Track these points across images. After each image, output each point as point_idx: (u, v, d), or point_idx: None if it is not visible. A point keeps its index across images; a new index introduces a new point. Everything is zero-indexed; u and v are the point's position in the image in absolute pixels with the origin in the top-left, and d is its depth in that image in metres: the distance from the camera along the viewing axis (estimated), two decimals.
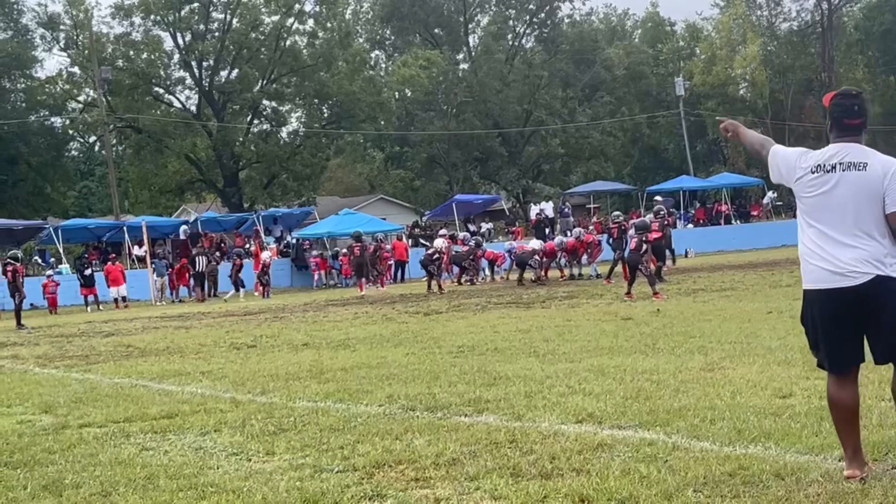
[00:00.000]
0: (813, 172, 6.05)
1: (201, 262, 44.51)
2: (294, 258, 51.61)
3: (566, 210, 59.01)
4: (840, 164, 5.97)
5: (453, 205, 56.81)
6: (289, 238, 54.12)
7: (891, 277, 5.79)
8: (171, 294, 45.15)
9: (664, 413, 8.21)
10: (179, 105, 73.90)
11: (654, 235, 26.20)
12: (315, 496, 6.31)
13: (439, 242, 39.87)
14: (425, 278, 36.12)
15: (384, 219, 59.43)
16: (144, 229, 48.60)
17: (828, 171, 5.99)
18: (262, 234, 52.85)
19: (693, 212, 60.16)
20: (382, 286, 40.29)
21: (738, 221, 59.41)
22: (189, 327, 24.78)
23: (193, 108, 72.85)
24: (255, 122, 73.77)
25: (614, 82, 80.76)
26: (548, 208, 57.30)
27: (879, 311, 5.81)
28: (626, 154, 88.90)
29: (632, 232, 25.14)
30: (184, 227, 53.68)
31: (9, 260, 34.18)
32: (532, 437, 7.65)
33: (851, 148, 6.00)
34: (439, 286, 33.66)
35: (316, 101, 72.97)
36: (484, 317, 20.94)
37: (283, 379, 12.42)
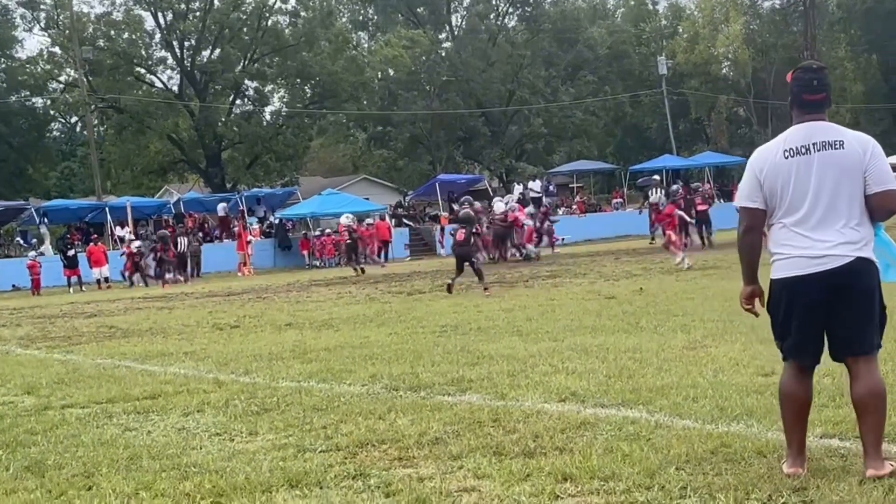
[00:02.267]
0: (786, 157, 5.73)
1: (183, 243, 44.38)
2: (278, 238, 51.57)
3: (552, 189, 59.08)
4: (814, 144, 5.68)
5: (437, 184, 56.79)
6: (272, 218, 54.08)
7: (868, 259, 5.62)
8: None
9: (647, 391, 8.23)
10: (161, 85, 73.64)
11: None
12: (298, 476, 6.31)
13: (500, 206, 38.31)
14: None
15: (367, 199, 59.36)
16: (129, 210, 48.50)
17: (801, 154, 5.70)
18: (246, 215, 52.78)
19: (680, 191, 60.15)
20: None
21: (720, 200, 59.48)
22: (172, 308, 24.73)
23: (175, 89, 72.57)
24: (238, 102, 73.58)
25: (597, 61, 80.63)
26: (535, 186, 57.30)
27: (851, 297, 5.60)
28: (609, 133, 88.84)
29: (455, 225, 24.71)
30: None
31: None
32: (515, 416, 7.66)
33: (821, 126, 5.73)
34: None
35: (298, 81, 72.76)
36: (467, 296, 20.94)
37: (266, 359, 12.42)
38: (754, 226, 5.86)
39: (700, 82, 79.46)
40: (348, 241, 37.49)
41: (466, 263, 22.50)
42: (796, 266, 5.66)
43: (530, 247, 36.37)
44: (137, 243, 43.36)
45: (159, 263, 41.67)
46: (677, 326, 12.52)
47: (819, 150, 5.67)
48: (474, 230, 23.70)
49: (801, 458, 5.73)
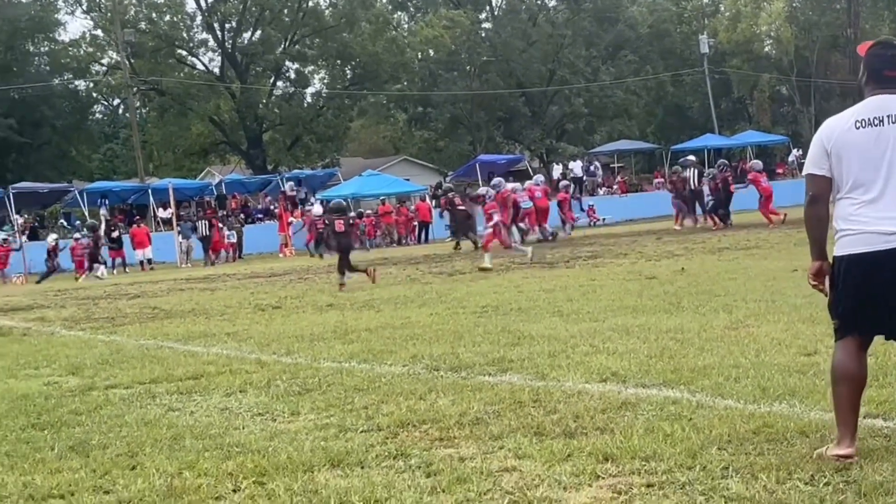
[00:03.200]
0: (857, 128, 5.55)
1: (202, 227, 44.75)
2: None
3: (592, 169, 58.94)
4: (888, 116, 5.49)
5: (477, 165, 56.71)
6: (313, 200, 54.21)
7: None
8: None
9: (688, 371, 8.19)
10: (202, 67, 73.91)
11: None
12: (340, 456, 6.34)
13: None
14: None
15: (407, 180, 59.48)
16: (171, 192, 48.73)
17: (874, 125, 5.51)
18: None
19: (722, 170, 59.80)
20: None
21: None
22: (214, 289, 24.86)
23: (216, 71, 72.83)
24: (279, 83, 73.69)
25: (638, 41, 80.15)
26: (576, 167, 57.19)
27: None
28: (650, 113, 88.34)
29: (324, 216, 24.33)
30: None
31: None
32: (556, 396, 7.65)
33: (894, 100, 5.53)
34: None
35: (339, 62, 72.81)
36: (507, 277, 20.92)
37: (307, 340, 12.46)
38: (820, 195, 5.67)
39: (742, 61, 78.81)
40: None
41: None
42: (865, 242, 5.48)
43: (545, 226, 36.24)
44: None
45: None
46: (719, 306, 12.45)
47: (893, 122, 5.50)
48: (350, 221, 23.76)
49: (854, 440, 5.57)
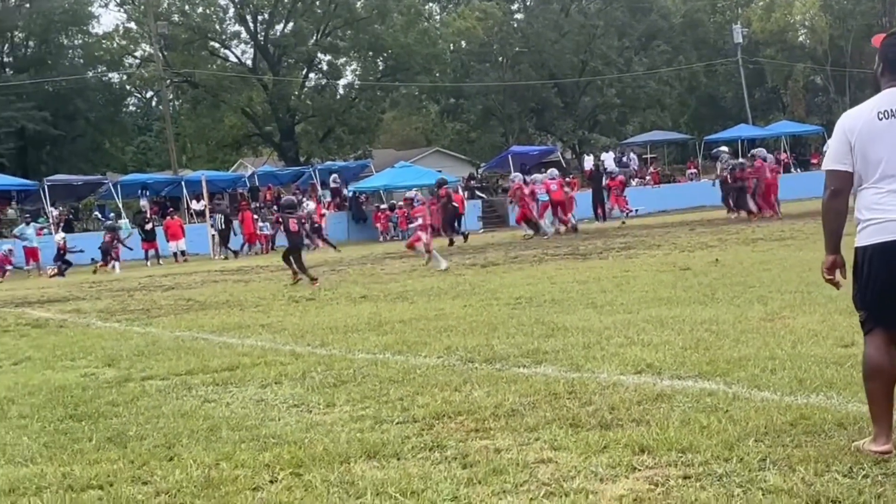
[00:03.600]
0: (879, 119, 5.50)
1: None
2: (352, 211, 51.82)
3: (625, 160, 58.76)
4: None
5: (509, 156, 56.64)
6: (345, 191, 54.29)
7: None
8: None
9: (724, 363, 8.17)
10: (235, 59, 74.14)
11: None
12: (375, 447, 6.35)
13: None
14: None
15: (440, 171, 59.33)
16: (204, 184, 48.89)
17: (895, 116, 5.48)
18: (319, 188, 53.04)
19: (756, 161, 59.52)
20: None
21: (797, 170, 58.75)
22: (248, 281, 24.95)
23: (249, 63, 73.02)
24: (311, 75, 73.84)
25: (671, 31, 79.84)
26: (608, 159, 57.05)
27: None
28: (683, 103, 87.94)
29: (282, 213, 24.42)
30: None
31: None
32: (591, 387, 7.65)
33: None
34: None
35: (371, 53, 72.88)
36: (541, 268, 20.90)
37: (342, 331, 12.48)
38: (842, 189, 5.64)
39: (776, 50, 78.35)
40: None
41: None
42: (891, 231, 5.44)
43: (544, 222, 36.35)
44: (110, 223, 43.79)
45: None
46: (754, 297, 12.40)
47: None
48: (302, 219, 24.01)
49: (891, 436, 5.51)
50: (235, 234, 45.38)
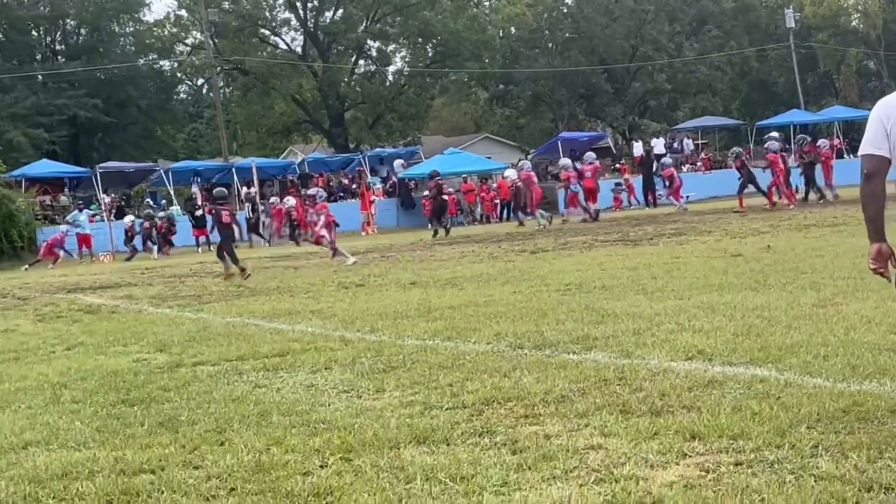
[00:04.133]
0: None
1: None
2: (401, 198, 51.87)
3: (676, 146, 58.44)
4: None
5: (559, 142, 56.47)
6: (394, 178, 54.35)
7: None
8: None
9: (776, 350, 8.10)
10: (285, 46, 74.44)
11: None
12: (425, 432, 6.35)
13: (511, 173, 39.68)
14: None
15: (489, 157, 59.34)
16: (254, 171, 49.14)
17: None
18: (368, 174, 53.13)
19: (806, 146, 59.00)
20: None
21: (850, 156, 58.11)
22: (298, 267, 25.04)
23: (299, 50, 73.26)
24: (360, 62, 73.97)
25: (722, 15, 79.26)
26: (658, 145, 56.77)
27: None
28: (735, 88, 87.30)
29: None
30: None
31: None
32: (641, 374, 7.61)
33: None
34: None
35: (420, 40, 72.92)
36: (591, 254, 20.84)
37: (391, 317, 12.50)
38: (876, 173, 5.62)
39: (829, 35, 77.62)
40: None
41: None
42: None
43: (540, 212, 36.54)
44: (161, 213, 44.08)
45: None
46: (806, 284, 12.29)
47: None
48: (233, 211, 24.73)
49: None
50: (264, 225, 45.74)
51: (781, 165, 34.59)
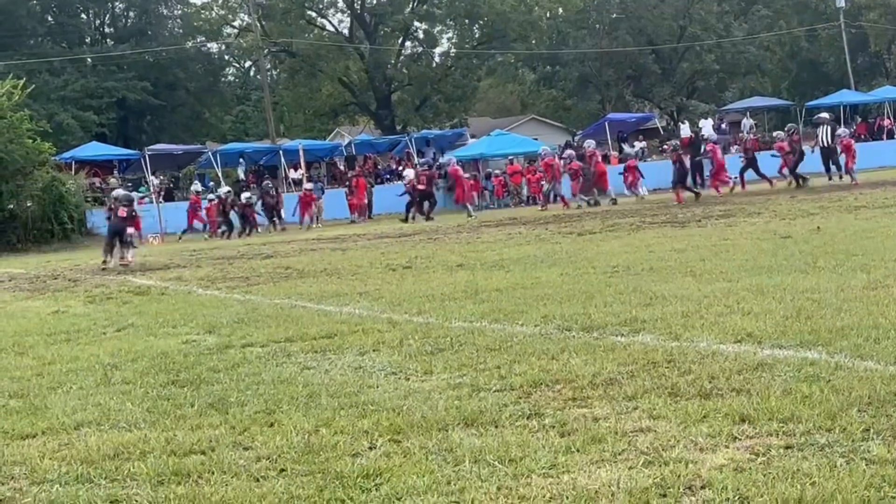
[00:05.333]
0: None
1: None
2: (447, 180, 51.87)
3: (724, 127, 58.09)
4: None
5: (606, 124, 56.28)
6: (441, 159, 54.34)
7: None
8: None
9: (826, 332, 8.04)
10: (332, 28, 74.58)
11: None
12: (474, 414, 6.36)
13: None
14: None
15: (536, 139, 59.19)
16: (301, 153, 49.28)
17: None
18: (415, 156, 53.15)
19: (854, 127, 58.53)
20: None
21: None
22: (345, 249, 25.11)
23: (345, 32, 73.34)
24: (407, 44, 73.96)
25: None
26: (706, 126, 56.43)
27: None
28: (784, 69, 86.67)
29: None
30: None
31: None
32: (690, 357, 7.57)
33: None
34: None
35: (467, 21, 72.83)
36: (638, 236, 20.76)
37: (438, 299, 12.50)
38: None
39: (880, 14, 76.77)
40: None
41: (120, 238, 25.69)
42: None
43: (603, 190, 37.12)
44: (247, 194, 44.08)
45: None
46: (857, 266, 12.18)
47: None
48: (133, 211, 26.73)
49: None
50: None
51: (720, 157, 35.56)
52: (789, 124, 44.84)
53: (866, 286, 10.41)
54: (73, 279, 22.39)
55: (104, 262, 25.36)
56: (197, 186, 47.06)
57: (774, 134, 38.55)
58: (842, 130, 39.07)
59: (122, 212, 25.86)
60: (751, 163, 37.16)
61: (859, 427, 5.45)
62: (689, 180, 35.48)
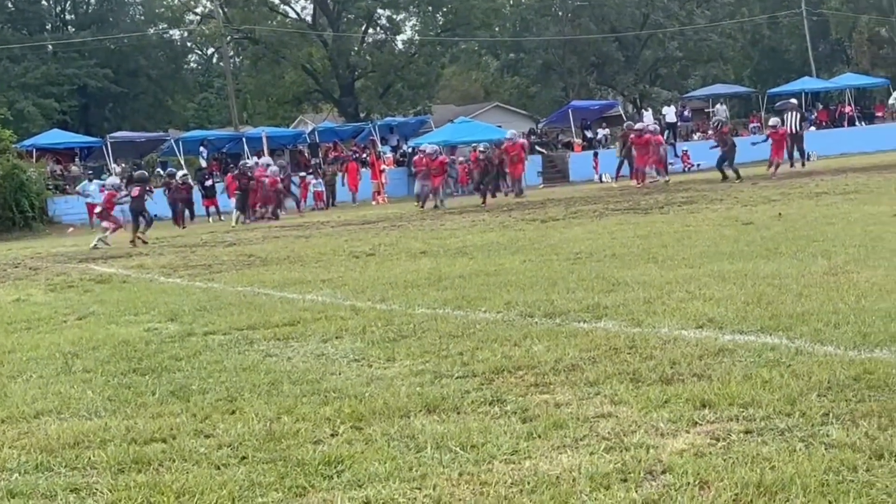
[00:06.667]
0: None
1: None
2: (411, 167, 51.83)
3: (686, 114, 58.32)
4: None
5: (569, 111, 56.37)
6: (405, 147, 54.29)
7: None
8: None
9: (786, 318, 8.08)
10: (295, 15, 74.29)
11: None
12: (436, 401, 6.36)
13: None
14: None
15: (500, 126, 59.20)
16: (265, 140, 49.10)
17: None
18: (379, 144, 53.06)
19: (815, 114, 58.88)
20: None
21: (862, 123, 58.03)
22: (308, 236, 25.06)
23: (308, 19, 73.08)
24: (370, 31, 73.80)
25: None
26: (669, 113, 56.64)
27: None
28: (746, 56, 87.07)
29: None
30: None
31: None
32: (652, 342, 7.60)
33: None
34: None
35: (430, 8, 72.72)
36: (601, 223, 20.82)
37: (401, 286, 12.49)
38: None
39: (841, 2, 77.30)
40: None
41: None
42: None
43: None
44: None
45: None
46: (818, 252, 12.25)
47: None
48: (147, 188, 28.80)
49: None
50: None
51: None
52: (715, 118, 45.17)
53: (827, 272, 10.48)
54: (34, 267, 22.24)
55: (133, 240, 27.64)
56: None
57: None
58: (774, 120, 39.29)
59: (136, 192, 27.63)
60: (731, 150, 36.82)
61: (819, 411, 5.48)
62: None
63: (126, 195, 29.10)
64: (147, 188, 27.96)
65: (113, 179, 30.19)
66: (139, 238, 27.93)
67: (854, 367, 6.27)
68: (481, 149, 38.82)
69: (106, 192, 29.46)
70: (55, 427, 6.54)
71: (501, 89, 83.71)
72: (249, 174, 39.47)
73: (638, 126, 38.64)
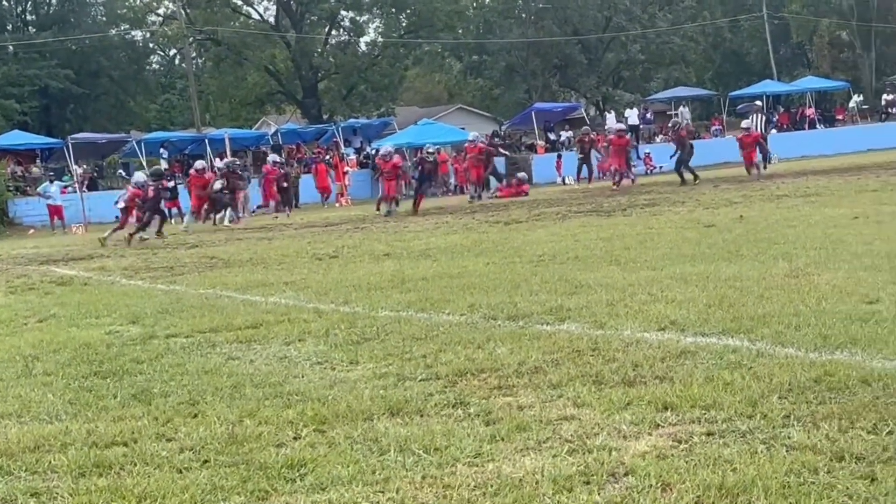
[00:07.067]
0: None
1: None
2: (374, 169, 51.74)
3: (649, 117, 58.56)
4: None
5: (533, 113, 56.46)
6: (368, 149, 54.20)
7: None
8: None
9: (748, 320, 8.13)
10: (258, 17, 74.04)
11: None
12: (399, 404, 6.36)
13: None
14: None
15: (463, 128, 59.21)
16: (227, 142, 48.91)
17: None
18: (342, 146, 52.97)
19: (777, 117, 59.21)
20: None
21: (822, 126, 58.38)
22: (271, 238, 24.99)
23: (271, 20, 72.88)
24: (333, 32, 73.64)
25: None
26: (632, 115, 56.84)
27: None
28: (708, 59, 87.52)
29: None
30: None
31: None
32: (614, 345, 7.63)
33: None
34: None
35: (393, 10, 72.62)
36: (564, 225, 20.87)
37: (365, 289, 12.48)
38: None
39: (801, 6, 77.78)
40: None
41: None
42: None
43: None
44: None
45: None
46: (779, 254, 12.34)
47: None
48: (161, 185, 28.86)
49: None
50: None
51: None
52: (674, 119, 45.50)
53: (788, 274, 10.55)
54: None
55: (159, 233, 28.80)
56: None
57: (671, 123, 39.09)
58: (745, 123, 39.66)
59: (151, 191, 28.25)
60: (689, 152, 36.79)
61: (780, 413, 5.52)
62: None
63: (163, 189, 30.12)
64: (161, 185, 28.27)
65: (139, 176, 30.06)
66: (160, 235, 28.80)
67: (815, 370, 6.32)
68: (430, 150, 38.47)
69: (131, 189, 29.55)
70: (15, 431, 6.50)
71: (465, 91, 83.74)
72: (239, 171, 39.27)
73: (617, 127, 38.67)
